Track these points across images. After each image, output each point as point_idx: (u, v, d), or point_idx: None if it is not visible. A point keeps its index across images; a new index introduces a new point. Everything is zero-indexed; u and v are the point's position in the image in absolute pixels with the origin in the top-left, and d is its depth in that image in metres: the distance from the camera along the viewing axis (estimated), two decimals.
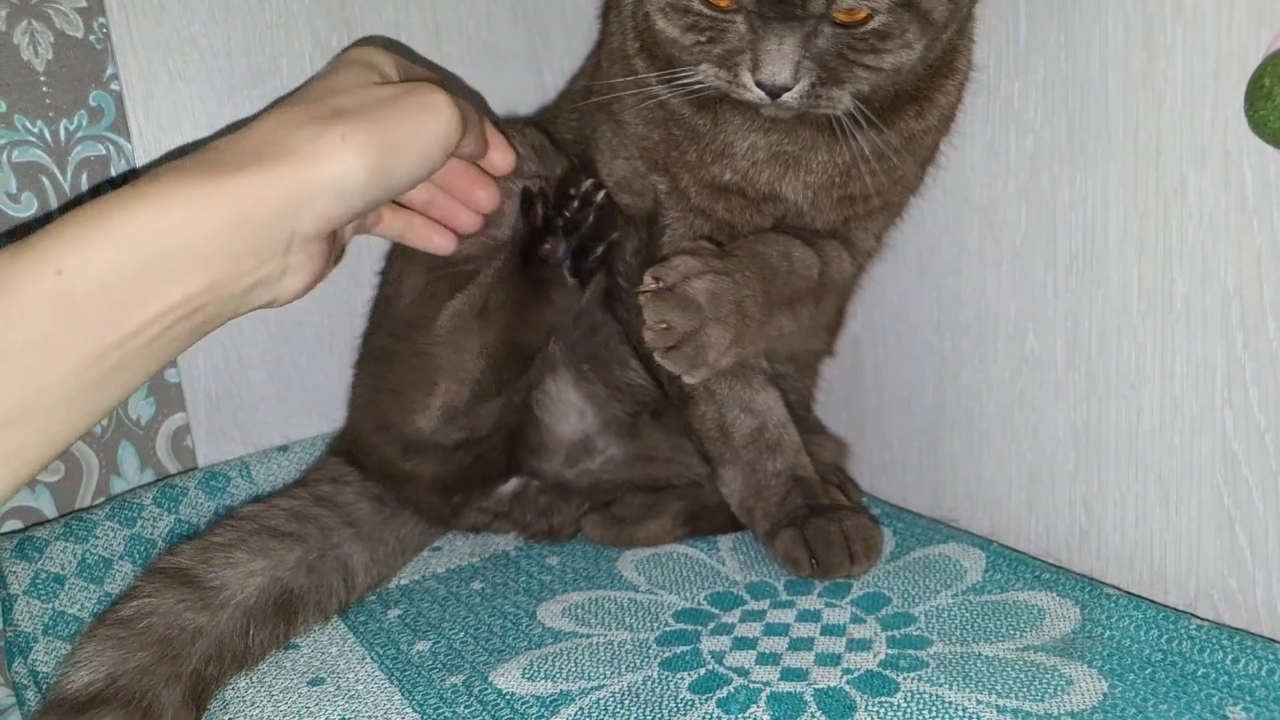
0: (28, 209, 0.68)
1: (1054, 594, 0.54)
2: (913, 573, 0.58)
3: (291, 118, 0.43)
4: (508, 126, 0.61)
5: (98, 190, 0.70)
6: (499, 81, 0.81)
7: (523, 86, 0.82)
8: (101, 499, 0.71)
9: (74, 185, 0.69)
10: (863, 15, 0.46)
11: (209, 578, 0.56)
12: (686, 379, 0.54)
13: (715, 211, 0.58)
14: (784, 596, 0.57)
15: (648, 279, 0.53)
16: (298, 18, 0.73)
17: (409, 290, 0.63)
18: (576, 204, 0.58)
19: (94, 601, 0.63)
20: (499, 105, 0.80)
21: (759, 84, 0.48)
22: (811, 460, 0.63)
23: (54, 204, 0.68)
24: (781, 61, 0.47)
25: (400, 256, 0.66)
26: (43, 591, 0.62)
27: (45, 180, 0.68)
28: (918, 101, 0.55)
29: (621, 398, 0.65)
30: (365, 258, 0.78)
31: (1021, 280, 0.61)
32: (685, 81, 0.52)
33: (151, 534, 0.67)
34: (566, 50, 0.82)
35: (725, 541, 0.65)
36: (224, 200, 0.40)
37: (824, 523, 0.58)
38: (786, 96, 0.49)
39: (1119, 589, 0.55)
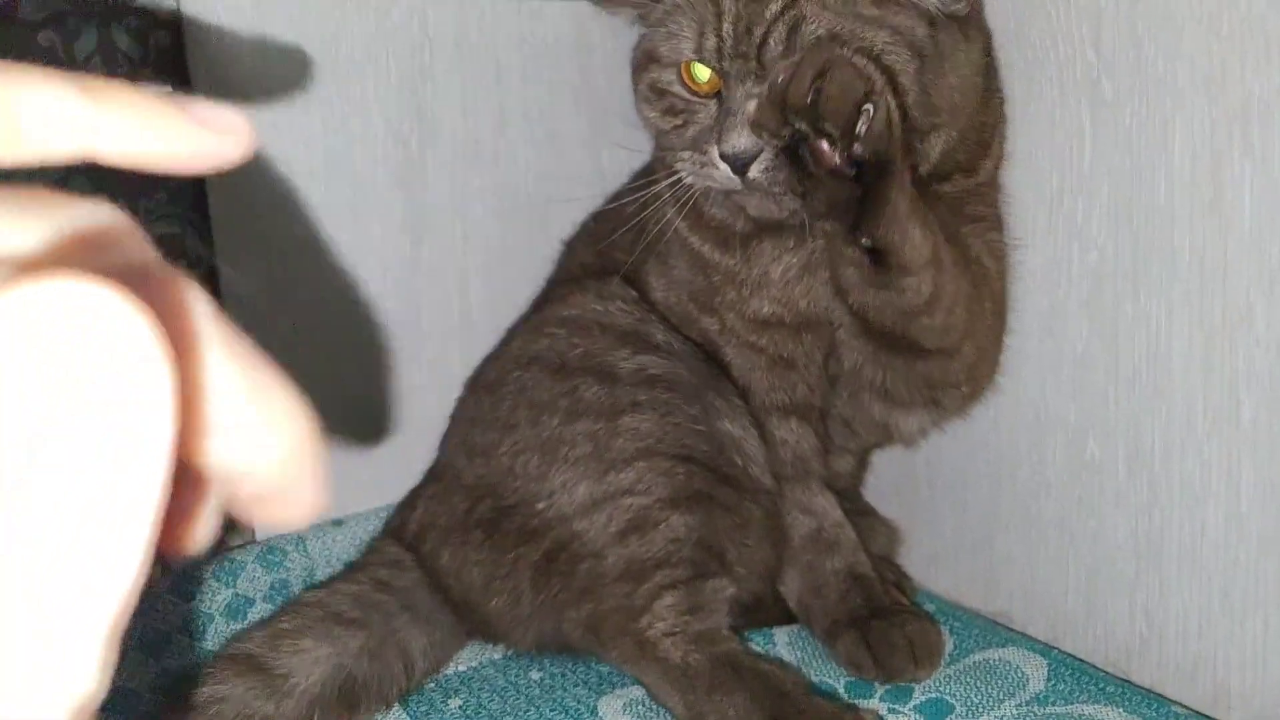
0: None
1: (1120, 709, 0.54)
2: (974, 678, 0.59)
3: None
4: None
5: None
6: (561, 163, 0.83)
7: (582, 169, 0.84)
8: (155, 565, 0.72)
9: None
10: None
11: (277, 665, 0.57)
12: None
13: (764, 346, 0.60)
14: (845, 700, 0.57)
15: None
16: (370, 107, 0.76)
17: (574, 506, 0.58)
18: None
19: (152, 676, 0.63)
20: (560, 186, 0.83)
21: (723, 156, 0.50)
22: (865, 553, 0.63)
23: None
24: (742, 128, 0.50)
25: (543, 452, 0.60)
26: None
27: None
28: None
29: None
30: (426, 336, 0.79)
31: (1082, 387, 0.62)
32: (670, 183, 0.55)
33: (210, 608, 0.68)
34: (624, 135, 0.84)
35: (781, 636, 0.65)
36: None
37: (886, 625, 0.59)
38: (753, 171, 0.50)
39: (1186, 707, 0.55)
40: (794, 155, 0.47)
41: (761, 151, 0.50)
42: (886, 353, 0.58)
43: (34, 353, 0.13)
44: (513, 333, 0.69)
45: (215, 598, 0.68)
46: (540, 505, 0.59)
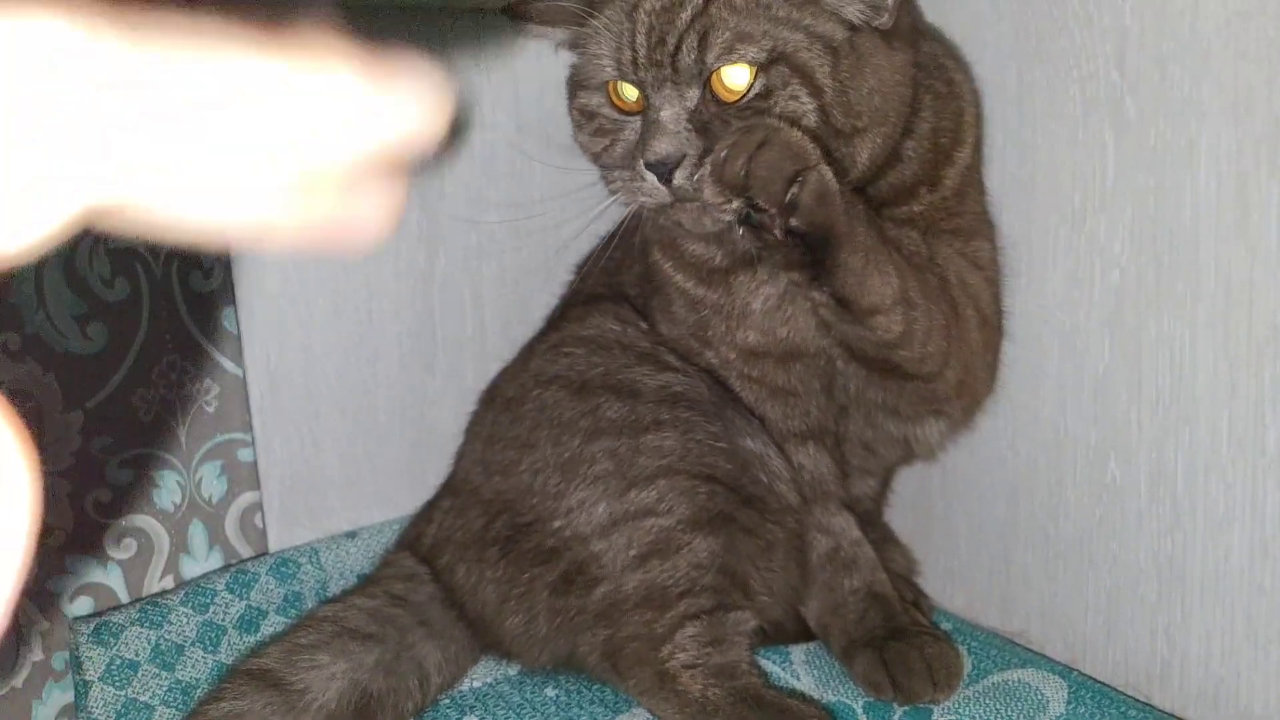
0: (120, 294, 0.70)
1: None
2: (993, 700, 0.58)
3: None
4: None
5: (186, 277, 0.72)
6: (575, 176, 0.83)
7: (596, 183, 0.84)
8: (169, 576, 0.72)
9: (164, 271, 0.71)
10: (741, 89, 0.50)
11: (293, 680, 0.56)
12: None
13: (757, 377, 0.61)
14: None
15: None
16: None
17: (592, 526, 0.57)
18: None
19: (164, 689, 0.63)
20: (576, 199, 0.82)
21: (648, 165, 0.51)
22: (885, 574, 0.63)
23: (145, 289, 0.70)
24: (661, 134, 0.51)
25: (563, 471, 0.59)
26: (117, 678, 0.62)
27: (139, 266, 0.70)
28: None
29: None
30: (441, 347, 0.79)
31: (1103, 408, 0.61)
32: (614, 201, 0.56)
33: (222, 620, 0.67)
34: None
35: (798, 654, 0.64)
36: None
37: (904, 647, 0.58)
38: (678, 177, 0.51)
39: None
40: (748, 220, 0.50)
41: (684, 157, 0.51)
42: (879, 375, 0.59)
43: None
44: (529, 350, 0.69)
45: (228, 610, 0.68)
46: (557, 524, 0.58)
